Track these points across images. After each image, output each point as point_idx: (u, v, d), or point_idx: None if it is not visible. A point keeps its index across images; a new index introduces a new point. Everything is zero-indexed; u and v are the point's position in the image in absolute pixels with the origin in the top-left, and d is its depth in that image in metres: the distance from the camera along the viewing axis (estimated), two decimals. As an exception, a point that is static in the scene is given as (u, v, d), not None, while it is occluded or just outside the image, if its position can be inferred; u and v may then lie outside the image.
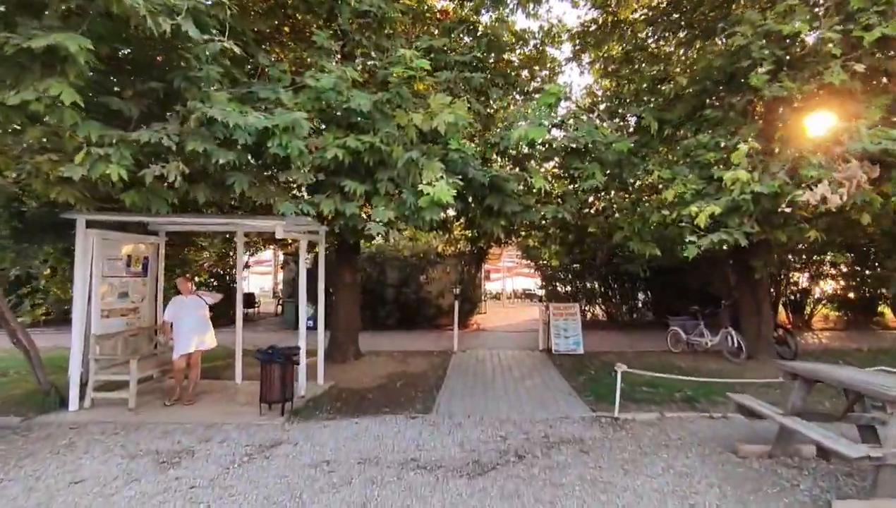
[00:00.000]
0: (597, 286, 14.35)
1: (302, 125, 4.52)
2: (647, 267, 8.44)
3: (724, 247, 5.70)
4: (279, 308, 15.82)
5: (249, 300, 16.62)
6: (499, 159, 6.33)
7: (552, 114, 5.25)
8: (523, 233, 10.56)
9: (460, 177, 5.04)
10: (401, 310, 13.95)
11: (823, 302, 14.42)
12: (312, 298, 14.07)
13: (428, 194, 4.69)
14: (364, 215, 5.26)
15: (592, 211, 10.61)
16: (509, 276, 28.91)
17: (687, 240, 5.07)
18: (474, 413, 5.61)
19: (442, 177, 4.92)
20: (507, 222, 6.01)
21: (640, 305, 14.29)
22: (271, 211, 5.51)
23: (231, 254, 14.94)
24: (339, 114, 5.21)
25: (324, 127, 5.36)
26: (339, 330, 8.80)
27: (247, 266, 17.17)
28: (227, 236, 10.31)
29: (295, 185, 6.17)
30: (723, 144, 5.32)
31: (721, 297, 14.71)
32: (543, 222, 10.71)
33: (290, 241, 12.10)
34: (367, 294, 13.51)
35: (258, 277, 25.69)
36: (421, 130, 5.08)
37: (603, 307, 14.57)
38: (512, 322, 16.02)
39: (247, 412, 5.71)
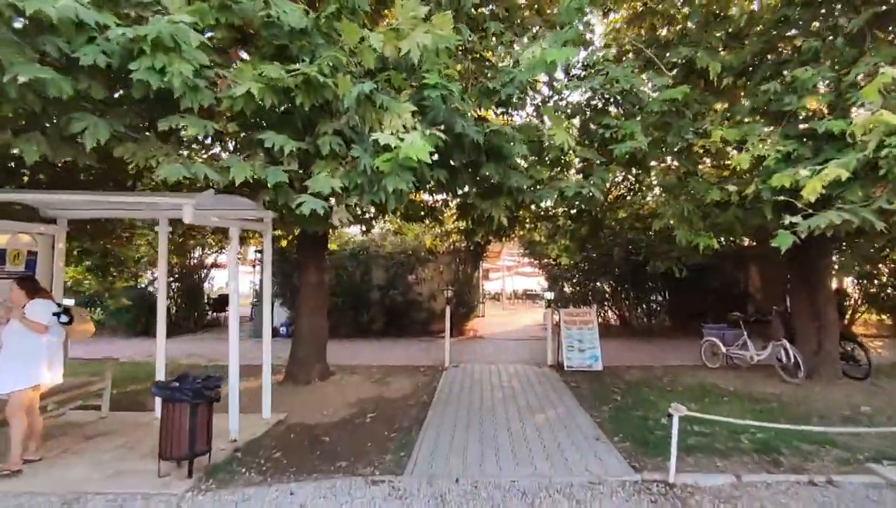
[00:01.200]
0: (608, 287, 12.67)
1: (187, 38, 2.83)
2: (683, 265, 6.76)
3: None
4: (251, 312, 14.12)
5: (221, 303, 14.91)
6: (500, 115, 4.60)
7: (580, 29, 3.59)
8: (528, 225, 8.90)
9: (442, 128, 3.35)
10: (387, 314, 12.29)
11: (866, 305, 12.77)
12: (288, 301, 12.35)
13: (392, 150, 3.01)
14: (302, 185, 3.55)
15: (611, 198, 8.96)
16: (509, 276, 27.25)
17: (786, 223, 3.38)
18: (465, 472, 3.93)
19: (415, 127, 3.23)
20: (510, 202, 4.33)
21: (656, 309, 12.61)
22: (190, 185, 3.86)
23: (204, 248, 13.27)
24: (260, 40, 3.52)
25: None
26: (301, 342, 7.11)
27: (215, 265, 15.43)
28: (176, 227, 8.58)
29: (204, 143, 4.46)
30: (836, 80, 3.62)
31: (750, 301, 13.12)
32: (554, 208, 9.08)
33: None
34: (348, 296, 11.84)
35: (241, 276, 23.92)
36: (383, 59, 3.40)
37: (616, 311, 12.89)
38: (513, 327, 14.36)
39: (143, 470, 4.02)
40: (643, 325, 12.26)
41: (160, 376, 5.56)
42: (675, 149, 4.68)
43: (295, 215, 3.62)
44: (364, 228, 7.89)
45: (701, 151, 4.86)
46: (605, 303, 12.67)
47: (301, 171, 3.54)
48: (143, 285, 12.59)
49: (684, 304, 12.64)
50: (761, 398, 6.17)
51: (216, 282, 18.07)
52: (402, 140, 3.05)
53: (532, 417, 5.41)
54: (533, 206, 6.62)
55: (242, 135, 3.66)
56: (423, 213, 7.17)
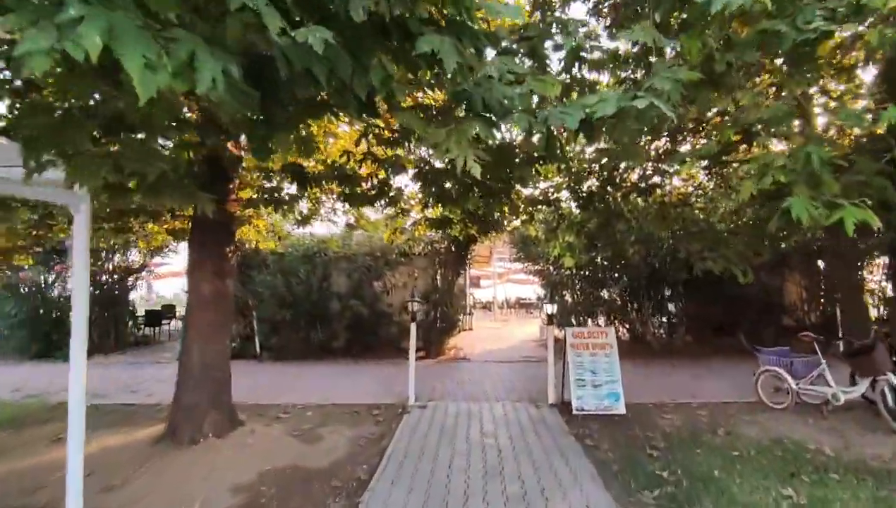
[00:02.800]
0: (618, 295, 10.45)
1: None
2: (746, 267, 4.59)
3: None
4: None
5: (157, 316, 12.53)
6: None
7: None
8: (521, 214, 6.73)
9: None
10: (349, 330, 10.02)
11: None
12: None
13: None
14: None
15: (627, 181, 6.79)
16: (501, 283, 25.05)
17: None
18: None
19: None
20: (484, 132, 2.12)
21: (674, 322, 10.42)
22: None
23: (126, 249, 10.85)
24: None
25: None
26: (188, 381, 4.84)
27: (144, 267, 13.03)
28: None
29: None
30: None
31: (790, 313, 10.97)
32: (556, 191, 6.91)
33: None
34: (299, 307, 9.57)
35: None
36: None
37: (625, 324, 10.67)
38: (505, 343, 12.12)
39: None
40: (660, 342, 10.07)
41: None
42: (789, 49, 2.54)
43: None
44: (288, 212, 5.67)
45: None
46: (614, 316, 10.46)
47: None
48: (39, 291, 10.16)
49: (706, 317, 10.51)
50: (889, 470, 3.97)
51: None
52: None
53: (530, 525, 3.16)
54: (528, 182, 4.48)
55: None
56: (371, 191, 4.96)
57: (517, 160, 3.92)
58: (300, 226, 6.26)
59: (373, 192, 5.13)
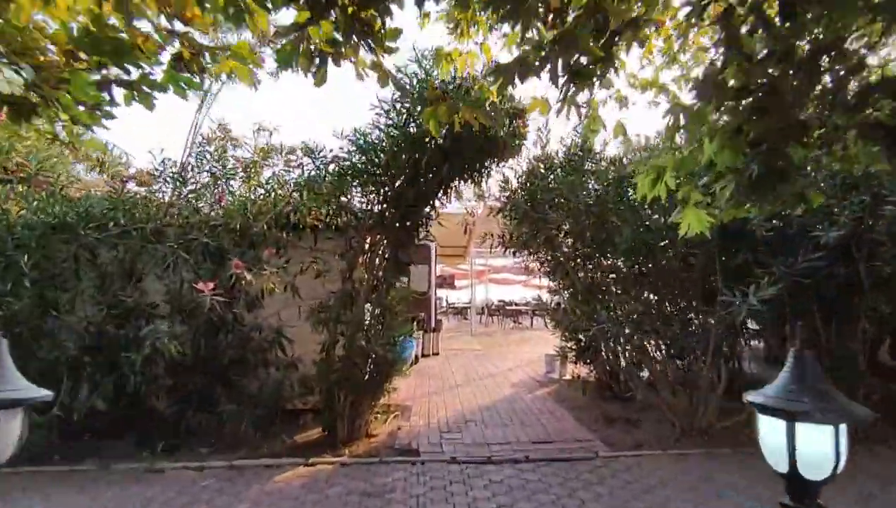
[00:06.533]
0: (746, 311, 5.23)
1: None
2: None
3: None
4: None
5: None
6: None
7: None
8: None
9: None
10: (165, 392, 4.62)
11: None
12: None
13: None
14: None
15: None
16: (480, 283, 19.78)
17: None
18: None
19: None
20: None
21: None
22: None
23: None
24: None
25: None
26: None
27: None
28: None
29: None
30: None
31: None
32: None
33: None
34: (29, 341, 4.09)
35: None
36: None
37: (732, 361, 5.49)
38: (492, 390, 6.84)
39: None
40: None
41: None
42: None
43: None
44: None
45: None
46: (713, 354, 5.24)
47: None
48: None
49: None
50: None
51: None
52: None
53: None
54: None
55: None
56: None
57: None
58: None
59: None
